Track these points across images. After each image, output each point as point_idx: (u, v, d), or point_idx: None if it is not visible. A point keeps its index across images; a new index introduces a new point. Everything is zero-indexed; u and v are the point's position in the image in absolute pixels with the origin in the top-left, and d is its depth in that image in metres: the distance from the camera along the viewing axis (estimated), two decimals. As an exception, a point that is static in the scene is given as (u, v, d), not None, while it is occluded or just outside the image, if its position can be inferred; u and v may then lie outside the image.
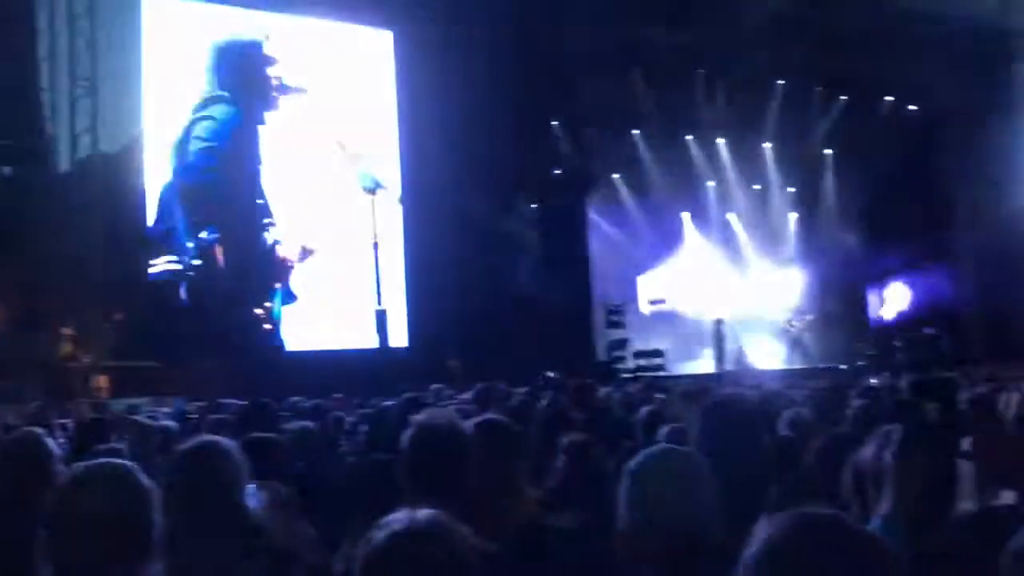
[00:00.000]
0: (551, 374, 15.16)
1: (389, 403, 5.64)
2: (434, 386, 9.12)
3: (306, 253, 16.59)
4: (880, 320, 24.92)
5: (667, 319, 22.00)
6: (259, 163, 16.26)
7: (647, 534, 1.63)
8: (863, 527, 1.20)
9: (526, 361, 15.55)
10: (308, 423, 5.00)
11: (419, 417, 2.80)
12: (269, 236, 16.25)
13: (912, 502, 1.73)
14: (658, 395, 7.28)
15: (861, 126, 22.36)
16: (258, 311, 15.98)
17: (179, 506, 2.37)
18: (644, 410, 5.45)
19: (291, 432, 4.76)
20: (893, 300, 24.42)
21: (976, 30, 21.74)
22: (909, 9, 20.71)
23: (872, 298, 25.16)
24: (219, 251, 15.38)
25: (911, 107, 22.98)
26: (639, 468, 1.73)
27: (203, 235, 15.32)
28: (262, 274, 16.14)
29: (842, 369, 17.92)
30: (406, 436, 2.66)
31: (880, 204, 23.20)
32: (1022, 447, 1.76)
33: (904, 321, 23.33)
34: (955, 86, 21.05)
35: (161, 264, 15.21)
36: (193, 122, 15.59)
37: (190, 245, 15.28)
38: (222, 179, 15.79)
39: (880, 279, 24.48)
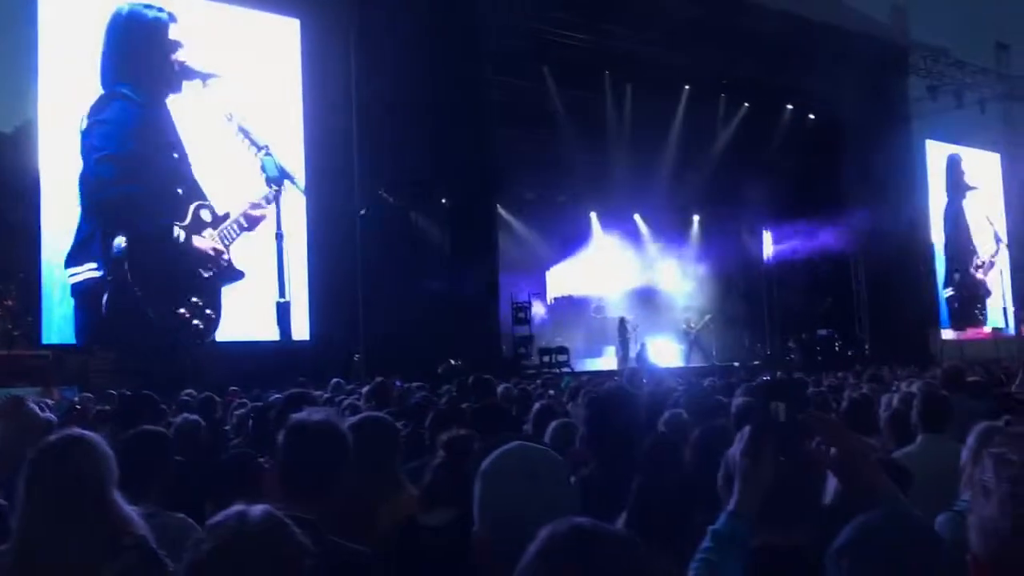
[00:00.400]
0: (454, 361, 15.20)
1: (276, 397, 5.56)
2: (333, 380, 9.05)
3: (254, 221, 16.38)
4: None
5: (573, 316, 22.24)
6: (177, 148, 15.67)
7: (499, 535, 1.63)
8: (629, 538, 1.24)
9: (432, 356, 15.52)
10: (194, 416, 4.90)
11: (296, 416, 2.75)
12: (180, 233, 15.65)
13: (757, 498, 1.78)
14: (550, 391, 7.37)
15: (763, 132, 23.00)
16: (182, 311, 15.48)
17: (40, 500, 2.30)
18: (537, 405, 5.53)
19: (176, 425, 4.68)
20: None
21: (873, 44, 22.60)
22: (811, 22, 21.41)
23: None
24: (126, 264, 14.87)
25: (811, 115, 23.75)
26: (491, 467, 1.71)
27: (114, 247, 14.81)
28: (182, 272, 15.59)
29: (736, 367, 18.32)
30: (281, 436, 2.61)
31: (779, 206, 23.92)
32: (848, 438, 1.83)
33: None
34: (852, 96, 21.84)
35: (84, 272, 14.68)
36: (89, 127, 14.93)
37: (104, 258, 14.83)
38: (126, 185, 15.13)
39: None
